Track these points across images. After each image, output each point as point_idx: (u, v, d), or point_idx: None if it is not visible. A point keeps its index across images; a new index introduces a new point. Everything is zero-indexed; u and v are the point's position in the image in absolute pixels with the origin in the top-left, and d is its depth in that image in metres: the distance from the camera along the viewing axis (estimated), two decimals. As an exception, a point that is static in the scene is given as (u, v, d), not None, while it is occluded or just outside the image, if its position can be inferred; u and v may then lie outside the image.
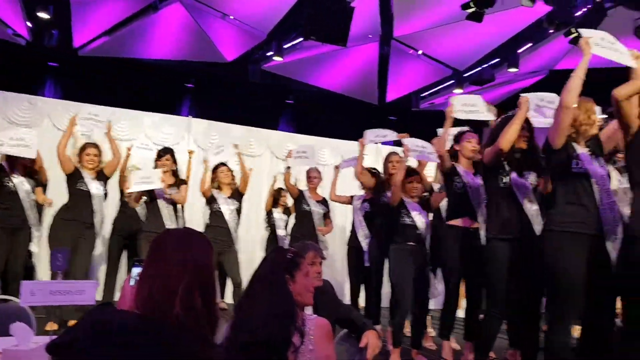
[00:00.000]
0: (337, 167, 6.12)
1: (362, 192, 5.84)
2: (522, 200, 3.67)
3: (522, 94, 3.77)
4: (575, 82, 3.09)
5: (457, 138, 4.47)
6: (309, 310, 2.53)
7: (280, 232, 6.49)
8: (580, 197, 3.15)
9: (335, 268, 8.13)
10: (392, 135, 5.39)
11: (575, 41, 6.79)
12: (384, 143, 6.47)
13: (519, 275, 3.61)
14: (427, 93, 9.99)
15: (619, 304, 3.48)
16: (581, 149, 3.21)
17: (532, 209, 3.65)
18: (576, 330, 5.71)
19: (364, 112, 9.39)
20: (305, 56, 8.38)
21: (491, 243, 3.71)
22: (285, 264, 2.21)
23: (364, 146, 5.43)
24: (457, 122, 4.52)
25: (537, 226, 3.54)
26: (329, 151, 8.45)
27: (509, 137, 3.60)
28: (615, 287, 3.19)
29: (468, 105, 4.34)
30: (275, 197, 6.67)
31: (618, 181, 3.60)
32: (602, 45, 3.17)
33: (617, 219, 3.12)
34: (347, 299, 6.07)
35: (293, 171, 6.20)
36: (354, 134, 6.12)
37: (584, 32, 3.24)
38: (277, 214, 6.63)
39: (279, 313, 2.06)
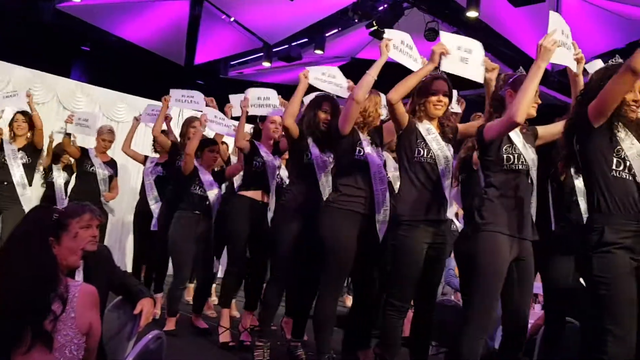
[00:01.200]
0: (137, 119, 5.68)
1: (156, 155, 5.60)
2: (320, 176, 3.83)
3: (307, 67, 3.93)
4: (368, 80, 3.29)
5: (262, 117, 4.51)
6: (79, 277, 2.36)
7: (59, 191, 5.94)
8: (357, 180, 3.40)
9: (120, 233, 7.76)
10: (200, 100, 5.19)
11: (374, 34, 7.27)
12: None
13: (303, 248, 3.78)
14: (236, 61, 9.93)
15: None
16: (364, 138, 3.46)
17: (327, 186, 3.83)
18: (348, 300, 6.18)
19: (169, 72, 9.01)
20: (108, 2, 7.73)
21: (284, 214, 3.83)
22: (49, 224, 2.02)
23: (167, 105, 5.18)
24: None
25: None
26: (125, 107, 7.96)
27: (290, 111, 3.75)
28: (379, 261, 3.52)
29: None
30: (57, 153, 6.05)
31: (394, 168, 3.94)
32: (400, 48, 3.38)
33: (386, 203, 3.43)
34: (129, 266, 5.81)
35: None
36: (156, 93, 5.82)
37: (388, 32, 3.41)
38: (57, 171, 6.03)
39: (37, 277, 1.88)
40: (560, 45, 2.80)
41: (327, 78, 3.90)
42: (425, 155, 3.15)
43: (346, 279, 3.39)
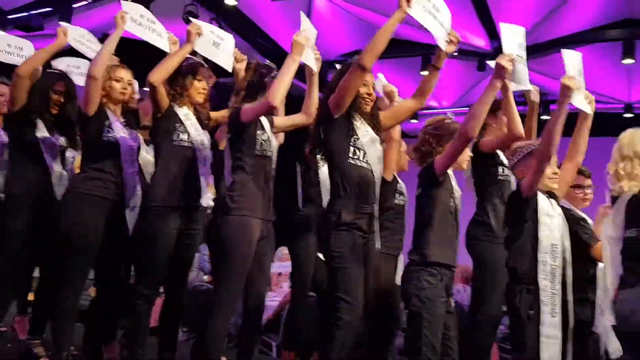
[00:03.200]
0: None
1: None
2: (50, 161, 3.45)
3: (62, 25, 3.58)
4: (104, 55, 3.12)
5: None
6: None
7: None
8: (106, 163, 3.18)
9: None
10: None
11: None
12: None
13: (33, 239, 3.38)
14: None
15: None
16: (115, 118, 3.25)
17: (57, 171, 3.46)
18: (93, 291, 5.79)
19: None
20: None
21: (10, 201, 3.39)
22: None
23: None
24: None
25: (59, 187, 3.40)
26: None
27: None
28: (129, 252, 3.32)
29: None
30: None
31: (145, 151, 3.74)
32: (139, 22, 3.25)
33: (137, 189, 3.27)
34: None
35: None
36: None
37: (124, 4, 3.26)
38: None
39: None
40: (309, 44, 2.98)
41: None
42: (184, 140, 3.12)
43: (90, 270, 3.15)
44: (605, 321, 2.99)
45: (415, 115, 9.46)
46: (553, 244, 2.71)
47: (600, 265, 2.96)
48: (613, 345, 3.51)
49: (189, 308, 4.01)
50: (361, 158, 2.78)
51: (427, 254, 2.75)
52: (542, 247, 2.69)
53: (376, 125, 2.89)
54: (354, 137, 2.77)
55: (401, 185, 3.51)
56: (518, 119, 3.12)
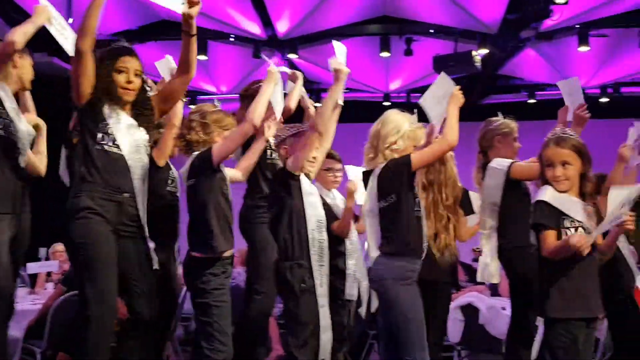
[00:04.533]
0: None
1: None
2: None
3: None
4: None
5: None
6: None
7: None
8: None
9: None
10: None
11: None
12: None
13: None
14: None
15: None
16: None
17: None
18: None
19: None
20: None
21: None
22: None
23: None
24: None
25: None
26: None
27: None
28: None
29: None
30: None
31: None
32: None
33: None
34: None
35: None
36: None
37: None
38: None
39: None
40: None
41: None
42: None
43: None
44: (364, 285, 3.34)
45: (193, 101, 9.33)
46: (318, 220, 2.90)
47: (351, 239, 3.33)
48: (374, 304, 3.94)
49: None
50: (110, 143, 2.61)
51: (214, 246, 2.69)
52: (310, 224, 2.84)
53: (144, 113, 2.73)
54: (103, 123, 2.60)
55: (174, 172, 3.41)
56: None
